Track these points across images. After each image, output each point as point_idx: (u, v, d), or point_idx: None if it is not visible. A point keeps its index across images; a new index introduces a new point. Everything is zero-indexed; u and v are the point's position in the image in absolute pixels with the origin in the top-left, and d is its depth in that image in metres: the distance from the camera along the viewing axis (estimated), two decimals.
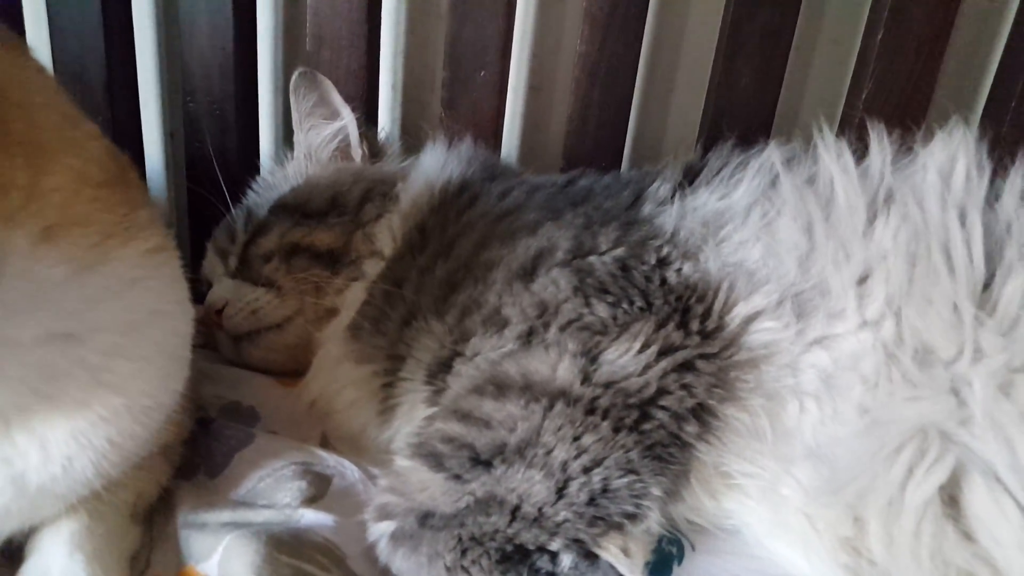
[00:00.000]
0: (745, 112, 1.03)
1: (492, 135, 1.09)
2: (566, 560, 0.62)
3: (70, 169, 0.52)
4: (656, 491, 0.64)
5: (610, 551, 0.63)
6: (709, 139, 1.07)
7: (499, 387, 0.65)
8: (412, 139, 1.10)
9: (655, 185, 0.84)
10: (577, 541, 0.62)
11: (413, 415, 0.76)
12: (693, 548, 0.70)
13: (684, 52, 1.11)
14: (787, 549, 0.68)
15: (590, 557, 0.63)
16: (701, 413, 0.66)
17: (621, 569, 0.63)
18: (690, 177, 0.84)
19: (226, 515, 0.64)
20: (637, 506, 0.63)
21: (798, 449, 0.67)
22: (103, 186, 0.55)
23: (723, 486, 0.70)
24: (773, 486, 0.68)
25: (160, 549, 0.63)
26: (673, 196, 0.81)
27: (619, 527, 0.63)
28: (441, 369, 0.73)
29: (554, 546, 0.61)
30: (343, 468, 0.72)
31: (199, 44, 1.06)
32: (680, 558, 0.69)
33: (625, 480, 0.62)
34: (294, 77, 0.95)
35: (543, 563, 0.61)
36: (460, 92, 1.06)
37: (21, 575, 0.56)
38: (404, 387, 0.77)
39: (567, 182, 0.90)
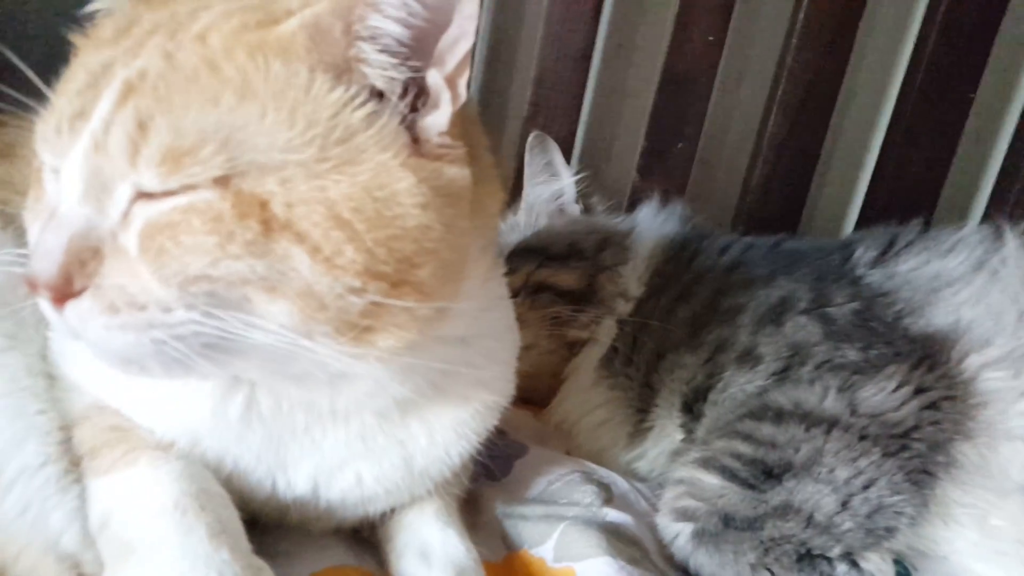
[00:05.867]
0: (911, 195, 1.16)
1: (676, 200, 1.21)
2: (840, 568, 0.71)
3: (497, 203, 0.64)
4: (910, 511, 0.73)
5: (872, 562, 0.72)
6: (866, 217, 1.21)
7: (777, 414, 0.76)
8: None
9: (859, 251, 0.96)
10: (847, 552, 0.71)
11: (663, 438, 0.87)
12: (916, 569, 0.78)
13: (850, 137, 1.25)
14: (999, 572, 0.77)
15: (854, 567, 0.72)
16: (946, 447, 0.76)
17: None
18: (885, 247, 0.96)
19: (539, 509, 0.74)
20: (897, 523, 0.72)
21: (1009, 484, 0.77)
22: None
23: (945, 515, 0.79)
24: (985, 516, 0.78)
25: (477, 537, 0.72)
26: (878, 261, 0.93)
27: (878, 541, 0.72)
28: (697, 399, 0.84)
29: (834, 553, 0.70)
30: (613, 478, 0.82)
31: None
32: None
33: (893, 499, 0.72)
34: (530, 138, 1.09)
35: (824, 567, 0.70)
36: (655, 161, 1.20)
37: (400, 548, 0.64)
38: (657, 413, 0.87)
39: (775, 243, 1.02)
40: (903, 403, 0.76)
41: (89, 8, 0.56)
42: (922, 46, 1.15)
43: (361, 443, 0.61)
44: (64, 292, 0.45)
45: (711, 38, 1.14)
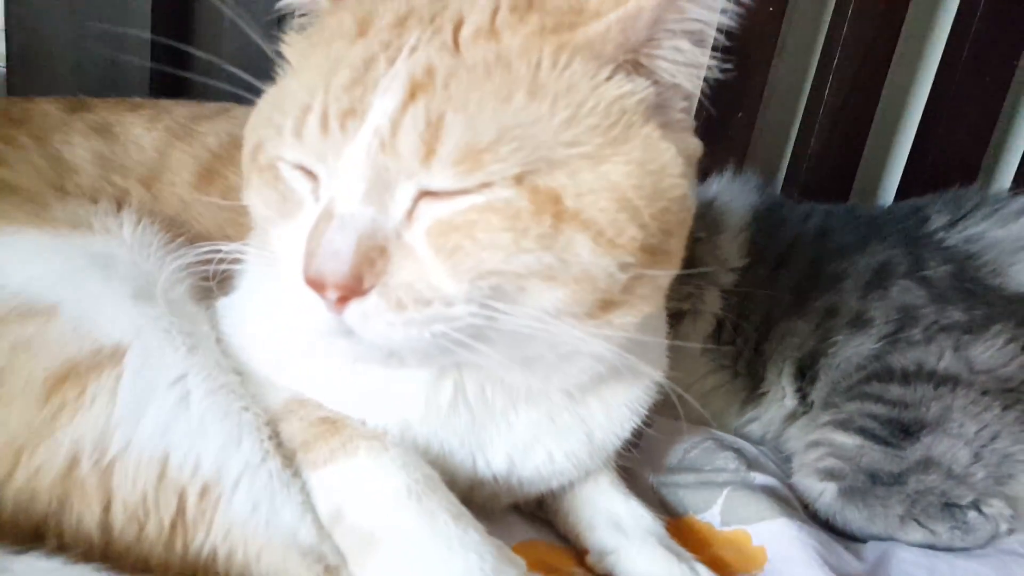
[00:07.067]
0: (954, 162, 1.22)
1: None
2: (971, 514, 0.76)
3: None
4: None
5: (995, 507, 0.78)
6: (906, 184, 1.26)
7: (903, 375, 0.80)
8: None
9: (933, 216, 1.00)
10: (975, 500, 0.77)
11: (774, 402, 0.90)
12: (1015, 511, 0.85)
13: (894, 105, 1.30)
14: None
15: (980, 512, 0.77)
16: None
17: (1002, 523, 0.78)
18: (955, 211, 1.00)
19: (691, 477, 0.76)
20: (1016, 470, 0.78)
21: None
22: None
23: None
24: None
25: None
26: (952, 225, 0.98)
27: (1000, 488, 0.78)
28: (812, 363, 0.87)
29: (966, 501, 0.76)
30: (740, 443, 0.85)
31: None
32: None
33: (1014, 448, 0.78)
34: None
35: (959, 515, 0.75)
36: (717, 130, 1.21)
37: (588, 520, 0.67)
38: (769, 379, 0.90)
39: (850, 209, 1.06)
40: (1012, 358, 0.81)
41: (282, 4, 0.54)
42: (967, 14, 1.19)
43: (550, 422, 0.62)
44: (353, 291, 0.44)
45: (771, 8, 1.16)
